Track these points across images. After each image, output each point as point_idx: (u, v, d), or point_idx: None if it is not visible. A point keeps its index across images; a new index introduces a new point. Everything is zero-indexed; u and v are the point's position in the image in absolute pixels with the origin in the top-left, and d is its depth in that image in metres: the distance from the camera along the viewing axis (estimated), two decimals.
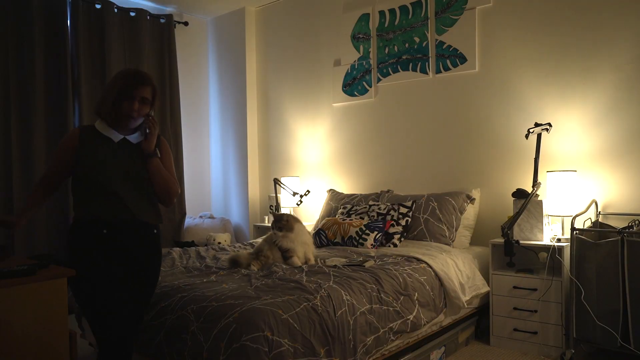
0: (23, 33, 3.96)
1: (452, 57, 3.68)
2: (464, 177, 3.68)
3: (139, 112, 2.00)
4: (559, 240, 2.93)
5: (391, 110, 4.10)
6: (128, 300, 1.97)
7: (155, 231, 2.10)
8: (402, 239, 3.41)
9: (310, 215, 4.61)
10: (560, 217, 3.05)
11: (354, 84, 4.28)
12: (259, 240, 3.63)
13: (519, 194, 3.04)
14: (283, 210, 4.50)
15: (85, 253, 1.96)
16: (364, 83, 4.21)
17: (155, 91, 2.04)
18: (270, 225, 3.00)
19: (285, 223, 2.89)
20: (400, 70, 3.98)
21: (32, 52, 3.97)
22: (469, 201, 3.46)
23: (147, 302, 2.09)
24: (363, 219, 3.56)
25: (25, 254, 3.89)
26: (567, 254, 2.87)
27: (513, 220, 2.94)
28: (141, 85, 1.98)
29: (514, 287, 3.00)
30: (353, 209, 3.74)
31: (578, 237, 2.75)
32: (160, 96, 4.83)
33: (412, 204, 3.53)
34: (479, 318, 3.25)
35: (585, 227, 2.88)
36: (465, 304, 2.91)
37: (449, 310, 2.86)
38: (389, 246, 3.34)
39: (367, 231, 3.36)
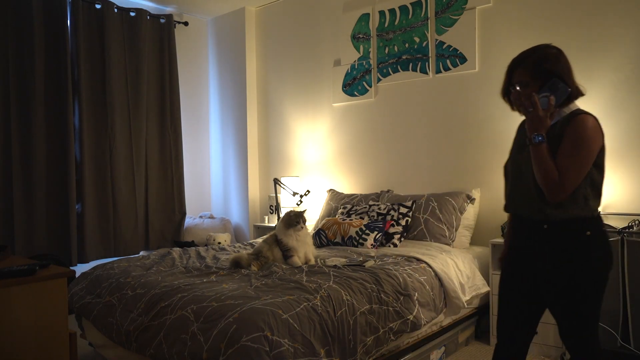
0: (23, 33, 3.96)
1: (452, 57, 3.68)
2: (464, 177, 3.68)
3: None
4: None
5: (391, 110, 4.10)
6: None
7: None
8: (402, 239, 3.41)
9: (310, 215, 4.61)
10: None
11: (354, 84, 4.28)
12: (259, 240, 3.63)
13: None
14: (284, 211, 4.50)
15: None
16: (364, 83, 4.21)
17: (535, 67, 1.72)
18: (282, 222, 3.00)
19: (304, 219, 2.95)
20: (400, 70, 3.98)
21: (32, 52, 3.97)
22: (469, 201, 3.46)
23: None
24: (363, 219, 3.56)
25: (25, 254, 3.89)
26: None
27: None
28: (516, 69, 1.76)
29: None
30: (353, 209, 3.74)
31: None
32: (160, 95, 4.83)
33: (412, 204, 3.53)
34: (479, 318, 3.25)
35: None
36: (465, 304, 2.91)
37: (449, 310, 2.86)
38: (389, 246, 3.34)
39: (367, 231, 3.36)
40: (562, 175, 1.59)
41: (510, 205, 1.83)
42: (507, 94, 1.81)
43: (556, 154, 1.62)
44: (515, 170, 1.80)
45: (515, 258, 1.86)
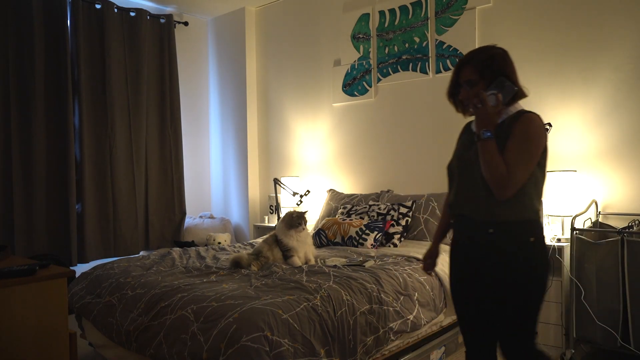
0: (23, 33, 3.96)
1: (452, 57, 3.68)
2: None
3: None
4: (559, 240, 2.93)
5: (391, 110, 4.10)
6: None
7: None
8: (402, 239, 3.41)
9: (310, 215, 4.61)
10: (560, 217, 3.05)
11: (354, 84, 4.28)
12: (259, 240, 3.63)
13: None
14: (284, 211, 4.50)
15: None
16: (364, 83, 4.21)
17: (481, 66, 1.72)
18: (283, 222, 3.00)
19: (305, 220, 2.95)
20: (400, 70, 3.98)
21: (32, 52, 3.97)
22: None
23: None
24: (363, 219, 3.56)
25: (25, 254, 3.89)
26: (567, 254, 2.87)
27: None
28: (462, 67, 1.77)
29: None
30: (353, 209, 3.74)
31: (578, 237, 2.75)
32: (159, 95, 4.83)
33: (412, 204, 3.53)
34: None
35: (585, 227, 2.88)
36: None
37: (449, 310, 2.86)
38: (389, 246, 3.34)
39: (367, 231, 3.36)
40: (510, 170, 1.60)
41: (455, 205, 1.81)
42: (453, 95, 1.82)
43: (504, 151, 1.64)
44: (461, 169, 1.79)
45: (460, 261, 1.84)
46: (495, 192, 1.62)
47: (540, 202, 1.72)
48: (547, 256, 1.71)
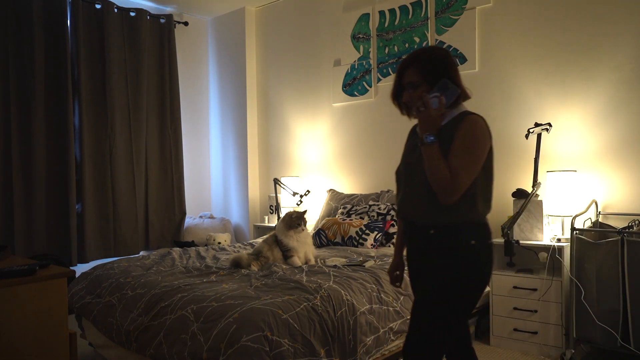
0: (23, 33, 3.96)
1: None
2: None
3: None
4: (559, 240, 2.93)
5: (391, 110, 4.05)
6: None
7: None
8: None
9: (310, 215, 4.61)
10: (560, 217, 3.05)
11: (354, 84, 4.28)
12: (259, 240, 3.63)
13: (519, 194, 3.04)
14: (284, 211, 4.50)
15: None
16: (364, 83, 4.21)
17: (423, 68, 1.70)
18: (283, 223, 3.00)
19: (305, 221, 2.95)
20: None
21: (32, 52, 3.97)
22: None
23: None
24: (363, 219, 3.56)
25: (25, 254, 3.89)
26: (567, 254, 2.87)
27: (513, 220, 2.94)
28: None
29: (514, 287, 3.00)
30: (353, 209, 3.74)
31: (578, 237, 2.75)
32: (160, 95, 4.83)
33: None
34: (479, 318, 3.25)
35: (585, 227, 2.88)
36: None
37: None
38: (389, 246, 3.34)
39: (367, 231, 3.36)
40: (454, 174, 1.56)
41: (401, 210, 1.78)
42: (397, 97, 1.80)
43: (448, 154, 1.60)
44: (407, 173, 1.76)
45: (409, 264, 1.81)
46: (440, 196, 1.58)
47: (486, 205, 1.70)
48: (489, 261, 1.66)
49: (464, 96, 1.73)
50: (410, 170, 1.75)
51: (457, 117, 1.67)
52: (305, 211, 3.06)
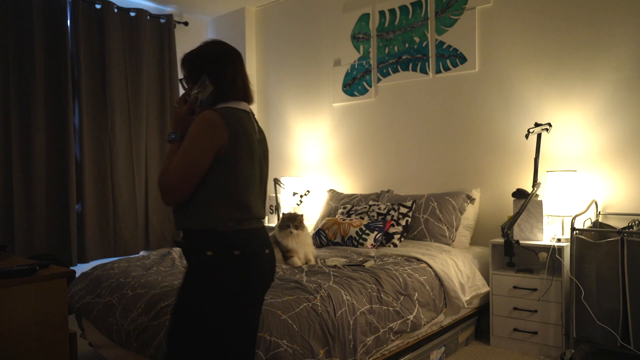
0: (23, 33, 3.96)
1: (452, 57, 3.68)
2: (464, 177, 3.68)
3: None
4: (559, 240, 2.93)
5: (391, 110, 4.10)
6: None
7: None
8: (402, 239, 3.41)
9: (310, 215, 4.61)
10: (560, 217, 3.05)
11: (354, 84, 4.28)
12: None
13: (519, 194, 3.04)
14: (284, 210, 4.50)
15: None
16: (364, 83, 4.21)
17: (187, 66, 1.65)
18: (278, 224, 3.00)
19: (299, 223, 2.94)
20: (400, 70, 3.98)
21: (32, 52, 3.97)
22: (469, 201, 3.46)
23: None
24: (363, 219, 3.56)
25: (25, 254, 3.89)
26: (567, 254, 2.87)
27: (513, 220, 2.94)
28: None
29: (514, 287, 3.00)
30: (353, 209, 3.74)
31: (578, 237, 2.75)
32: (159, 95, 4.83)
33: (412, 204, 3.53)
34: (479, 318, 3.25)
35: (585, 227, 2.88)
36: (465, 304, 2.91)
37: (449, 310, 2.86)
38: (389, 246, 3.34)
39: (367, 231, 3.36)
40: (163, 173, 1.48)
41: None
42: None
43: None
44: None
45: None
46: (161, 197, 1.50)
47: (232, 213, 1.50)
48: (238, 275, 1.49)
49: (230, 94, 1.59)
50: None
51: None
52: (301, 215, 3.02)
